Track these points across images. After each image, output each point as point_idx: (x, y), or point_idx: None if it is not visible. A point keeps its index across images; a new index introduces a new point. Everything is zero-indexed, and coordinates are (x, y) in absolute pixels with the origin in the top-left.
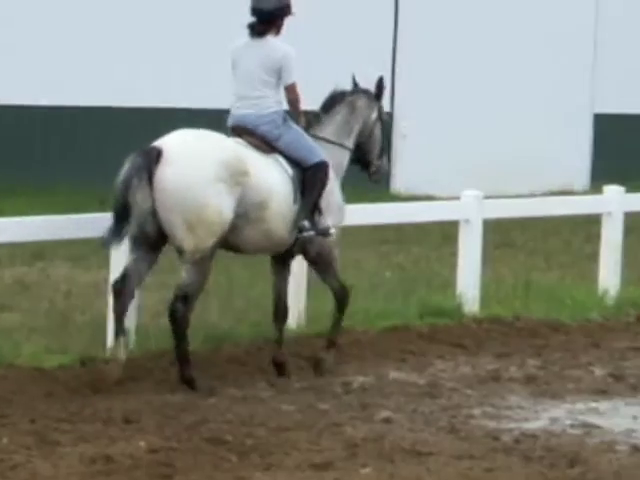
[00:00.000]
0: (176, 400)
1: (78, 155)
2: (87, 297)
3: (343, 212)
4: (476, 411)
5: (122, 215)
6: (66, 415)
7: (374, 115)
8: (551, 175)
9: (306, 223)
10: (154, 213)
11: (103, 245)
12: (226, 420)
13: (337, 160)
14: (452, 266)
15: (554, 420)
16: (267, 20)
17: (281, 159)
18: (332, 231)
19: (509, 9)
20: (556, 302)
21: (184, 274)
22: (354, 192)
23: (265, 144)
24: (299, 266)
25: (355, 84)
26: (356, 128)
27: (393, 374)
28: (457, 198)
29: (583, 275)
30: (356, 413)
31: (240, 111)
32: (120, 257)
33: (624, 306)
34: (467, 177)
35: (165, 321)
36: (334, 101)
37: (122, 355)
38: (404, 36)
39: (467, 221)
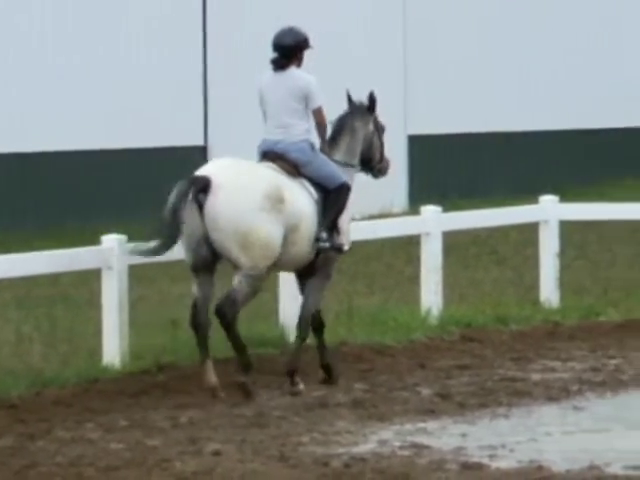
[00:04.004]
0: (4, 445)
1: None
2: None
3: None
4: (305, 438)
5: (170, 238)
6: None
7: (370, 127)
8: (370, 198)
9: (324, 234)
10: (207, 238)
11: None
12: (55, 463)
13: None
14: (274, 295)
15: (383, 442)
16: (288, 54)
17: (307, 183)
18: (346, 248)
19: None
20: (380, 325)
21: (237, 282)
22: None
23: (294, 169)
24: (119, 303)
25: (349, 99)
26: (359, 147)
27: (220, 406)
28: None
29: (406, 297)
30: (185, 447)
31: (272, 137)
32: None
33: (447, 325)
34: None
35: None
36: (339, 129)
37: (214, 378)
38: (214, 71)
39: None
